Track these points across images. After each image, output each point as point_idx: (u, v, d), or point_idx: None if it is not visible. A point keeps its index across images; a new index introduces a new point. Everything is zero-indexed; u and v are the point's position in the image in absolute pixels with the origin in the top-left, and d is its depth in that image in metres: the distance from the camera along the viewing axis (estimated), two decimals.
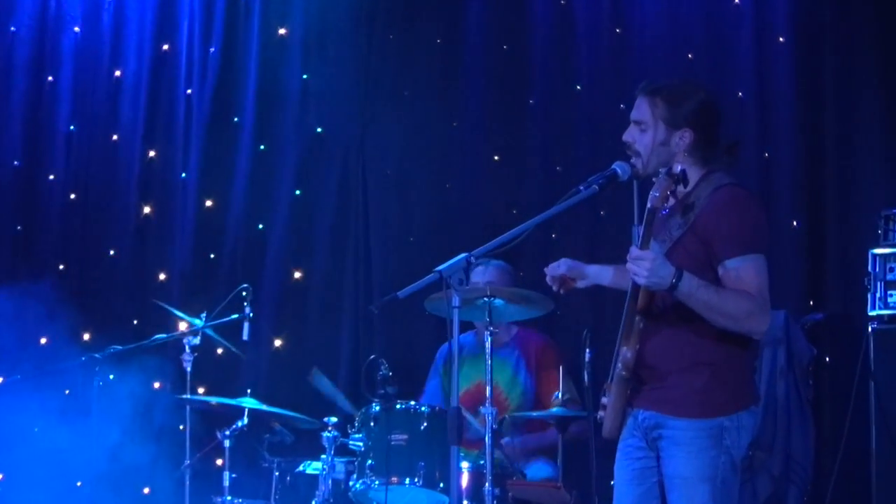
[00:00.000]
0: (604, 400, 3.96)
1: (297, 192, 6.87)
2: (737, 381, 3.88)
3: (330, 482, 5.31)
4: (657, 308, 3.85)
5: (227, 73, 6.95)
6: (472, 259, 3.75)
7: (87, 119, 7.04)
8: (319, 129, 6.90)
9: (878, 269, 5.43)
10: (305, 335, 6.75)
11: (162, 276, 6.89)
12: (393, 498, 5.06)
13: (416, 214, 6.71)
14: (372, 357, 5.39)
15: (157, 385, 6.41)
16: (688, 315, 3.79)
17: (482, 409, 4.90)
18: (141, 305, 6.81)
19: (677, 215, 3.89)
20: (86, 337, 6.63)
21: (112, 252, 6.96)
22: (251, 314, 5.68)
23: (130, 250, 6.93)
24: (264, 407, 5.50)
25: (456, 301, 3.72)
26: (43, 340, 6.62)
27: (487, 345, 4.93)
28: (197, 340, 5.63)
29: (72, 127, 7.04)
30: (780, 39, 6.21)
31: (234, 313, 5.68)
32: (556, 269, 4.20)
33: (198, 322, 5.66)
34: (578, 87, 6.56)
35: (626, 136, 3.99)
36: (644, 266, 3.72)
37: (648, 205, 3.75)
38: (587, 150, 6.42)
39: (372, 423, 5.21)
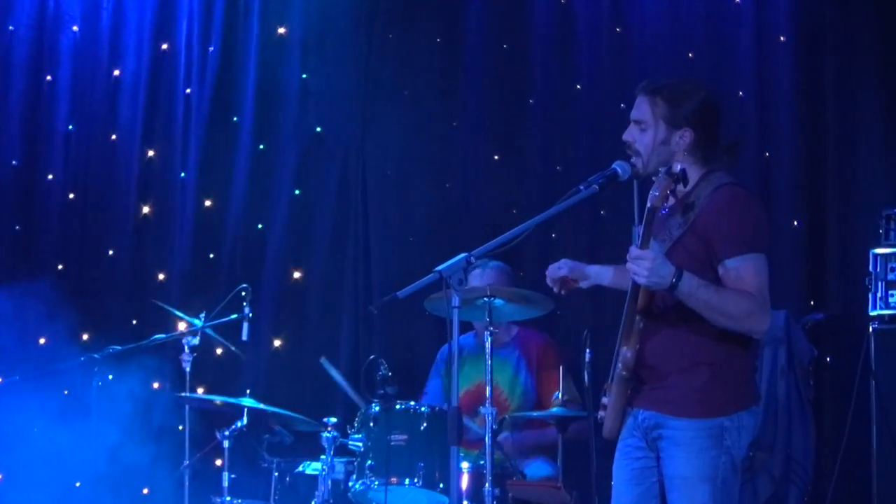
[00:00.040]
0: (604, 400, 3.95)
1: (297, 191, 6.86)
2: (737, 381, 3.87)
3: (329, 483, 5.30)
4: (657, 308, 3.84)
5: (227, 73, 6.94)
6: (472, 259, 3.74)
7: (86, 119, 7.02)
8: (319, 129, 6.89)
9: (878, 269, 5.44)
10: (305, 335, 6.74)
11: (161, 276, 6.88)
12: (392, 498, 5.06)
13: (415, 214, 6.70)
14: (371, 357, 5.38)
15: (156, 385, 6.40)
16: (688, 315, 3.78)
17: (482, 410, 4.89)
18: (140, 305, 6.80)
19: (677, 215, 3.88)
20: (85, 337, 6.61)
21: (111, 252, 6.95)
22: (250, 314, 5.67)
23: (129, 250, 6.92)
24: (264, 406, 5.48)
25: (456, 301, 3.72)
26: (42, 340, 6.61)
27: (487, 345, 4.92)
28: (196, 341, 5.62)
29: (70, 126, 7.03)
30: (781, 39, 6.21)
31: (233, 313, 5.67)
32: (558, 270, 4.20)
33: (197, 322, 5.65)
34: (578, 87, 6.56)
35: (626, 136, 3.99)
36: (644, 266, 3.71)
37: (648, 204, 3.75)
38: (587, 150, 6.42)
39: (371, 424, 5.20)
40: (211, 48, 6.96)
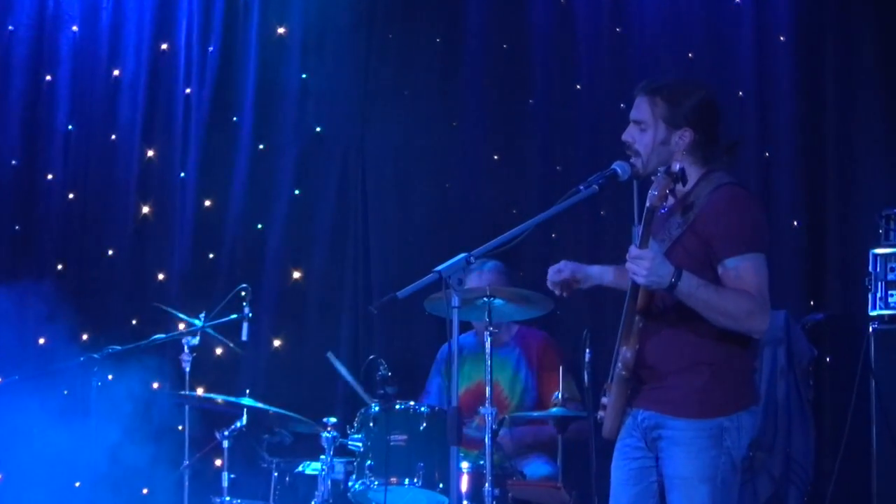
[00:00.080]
0: (604, 400, 3.95)
1: (297, 191, 6.86)
2: (737, 382, 3.87)
3: (329, 483, 5.30)
4: (657, 308, 3.84)
5: (226, 73, 6.94)
6: (472, 259, 3.74)
7: (86, 118, 7.02)
8: (319, 129, 6.89)
9: (878, 269, 5.44)
10: (304, 335, 6.74)
11: (161, 276, 6.88)
12: (392, 498, 5.05)
13: (415, 214, 6.70)
14: (371, 357, 5.39)
15: (155, 385, 6.40)
16: (687, 315, 3.78)
17: (482, 410, 4.88)
18: (140, 305, 6.80)
19: (677, 214, 3.88)
20: (84, 337, 6.61)
21: (111, 252, 6.95)
22: (250, 314, 5.67)
23: (129, 250, 6.92)
24: (263, 406, 5.48)
25: (455, 301, 3.72)
26: (42, 340, 6.61)
27: (487, 345, 4.92)
28: (196, 341, 5.62)
29: (70, 126, 7.03)
30: (781, 39, 6.21)
31: (233, 313, 5.67)
32: (559, 273, 4.19)
33: (197, 323, 5.65)
34: (578, 87, 6.56)
35: (625, 136, 3.99)
36: (643, 265, 3.71)
37: (647, 203, 3.75)
38: (587, 150, 6.42)
39: (371, 424, 5.20)
40: (210, 48, 6.96)
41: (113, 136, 7.00)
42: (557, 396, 5.27)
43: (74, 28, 7.06)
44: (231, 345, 5.79)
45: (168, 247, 6.90)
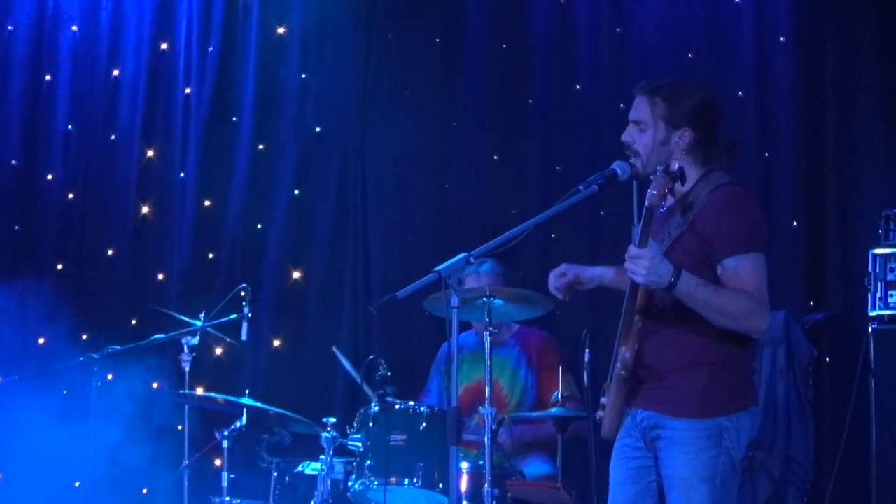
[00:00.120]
0: (603, 400, 3.95)
1: (296, 191, 6.86)
2: (736, 382, 3.87)
3: (329, 483, 5.30)
4: (656, 308, 3.84)
5: (226, 73, 6.94)
6: (472, 259, 3.74)
7: (86, 118, 7.02)
8: (318, 129, 6.89)
9: (878, 270, 5.43)
10: (304, 335, 6.74)
11: (160, 276, 6.88)
12: (392, 498, 5.05)
13: (415, 214, 6.70)
14: (371, 357, 5.38)
15: (155, 385, 6.40)
16: (687, 315, 3.78)
17: (482, 409, 4.89)
18: (140, 305, 6.80)
19: (677, 214, 3.88)
20: (84, 337, 6.61)
21: (110, 252, 6.95)
22: (250, 314, 5.67)
23: (129, 250, 6.92)
24: (263, 406, 5.48)
25: (455, 301, 3.72)
26: (41, 340, 6.61)
27: (487, 345, 4.92)
28: (195, 341, 5.62)
29: (70, 126, 7.03)
30: (781, 39, 6.20)
31: (232, 313, 5.67)
32: (561, 278, 4.18)
33: (197, 323, 5.65)
34: (578, 87, 6.56)
35: (625, 137, 3.99)
36: (642, 265, 3.71)
37: (646, 203, 3.75)
38: (587, 150, 6.42)
39: (371, 424, 5.20)
40: (210, 48, 6.96)
41: (113, 136, 7.00)
42: (557, 396, 5.27)
43: (74, 28, 7.06)
44: (228, 339, 5.77)
45: (168, 247, 6.90)
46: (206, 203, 6.91)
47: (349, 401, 6.31)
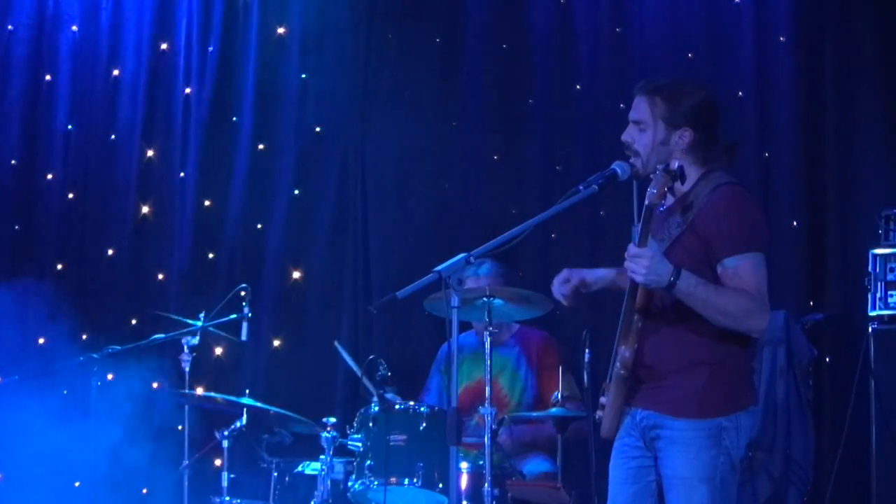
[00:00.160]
0: (602, 399, 3.95)
1: (296, 191, 6.86)
2: (736, 382, 3.87)
3: (329, 482, 5.30)
4: (656, 307, 3.84)
5: (226, 73, 6.94)
6: (472, 259, 3.74)
7: (86, 118, 7.02)
8: (318, 129, 6.89)
9: (878, 270, 5.43)
10: (304, 335, 6.74)
11: (160, 276, 6.88)
12: (392, 498, 5.05)
13: (415, 214, 6.70)
14: (371, 357, 5.38)
15: (155, 385, 6.39)
16: (686, 314, 3.78)
17: (482, 409, 4.89)
18: (140, 305, 6.80)
19: (676, 214, 3.88)
20: (84, 337, 6.61)
21: (110, 252, 6.95)
22: (250, 314, 5.66)
23: (129, 250, 6.92)
24: (263, 406, 5.48)
25: (455, 301, 3.72)
26: (41, 340, 6.61)
27: (487, 345, 4.92)
28: (195, 340, 5.61)
29: (70, 126, 7.02)
30: (781, 39, 6.21)
31: (232, 313, 5.66)
32: (566, 283, 4.16)
33: (197, 324, 5.65)
34: (578, 87, 6.56)
35: (624, 137, 3.99)
36: (642, 264, 3.71)
37: (646, 202, 3.75)
38: (587, 150, 6.42)
39: (371, 424, 5.20)
40: (210, 48, 6.96)
41: (113, 136, 7.00)
42: (557, 396, 5.27)
43: (74, 28, 7.06)
44: (228, 334, 5.76)
45: (168, 247, 6.90)
46: (206, 203, 6.91)
47: (349, 401, 6.31)
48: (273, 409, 5.47)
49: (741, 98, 6.21)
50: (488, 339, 4.94)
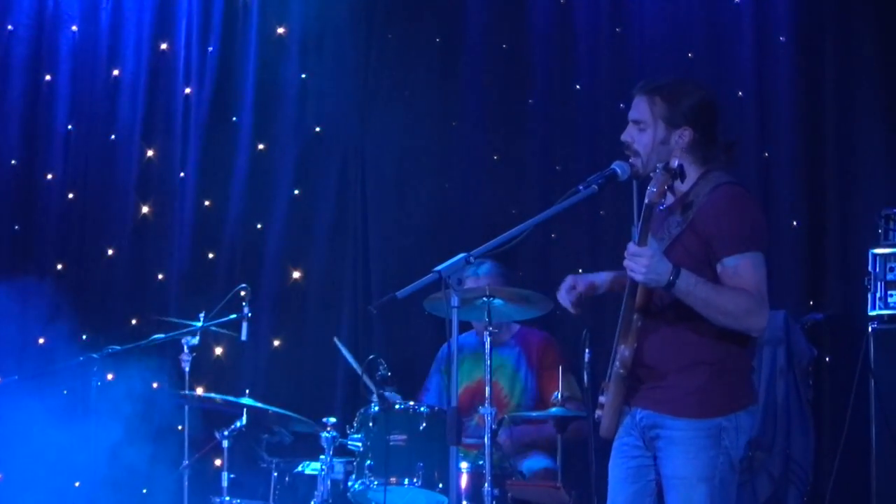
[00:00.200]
0: (601, 399, 3.95)
1: (296, 191, 6.86)
2: (735, 381, 3.87)
3: (328, 482, 5.29)
4: (655, 306, 3.84)
5: (226, 73, 6.94)
6: (471, 259, 3.74)
7: (85, 118, 7.02)
8: (318, 129, 6.89)
9: (878, 269, 5.43)
10: (304, 335, 6.74)
11: (160, 276, 6.88)
12: (392, 498, 5.05)
13: (415, 214, 6.70)
14: (371, 357, 5.38)
15: (155, 385, 6.39)
16: (686, 313, 3.78)
17: (482, 409, 4.89)
18: (139, 305, 6.80)
19: (676, 213, 3.88)
20: (84, 337, 6.61)
21: (110, 252, 6.95)
22: (250, 314, 5.66)
23: (129, 250, 6.92)
24: (263, 406, 5.48)
25: (455, 301, 3.72)
26: (41, 340, 6.61)
27: (486, 345, 4.92)
28: (195, 341, 5.61)
29: (70, 126, 7.03)
30: (781, 39, 6.20)
31: (232, 313, 5.66)
32: (573, 291, 4.13)
33: (196, 324, 5.65)
34: (578, 87, 6.56)
35: (624, 137, 3.99)
36: (641, 263, 3.71)
37: (646, 200, 3.75)
38: (587, 150, 6.42)
39: (371, 424, 5.20)
40: (210, 48, 6.96)
41: (113, 136, 7.00)
42: (557, 396, 5.27)
43: (74, 28, 7.06)
44: (228, 331, 5.76)
45: (168, 247, 6.90)
46: (206, 203, 6.91)
47: (349, 400, 6.31)
48: (272, 409, 5.47)
49: (741, 98, 6.21)
50: (488, 340, 4.94)
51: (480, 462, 5.05)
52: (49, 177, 7.00)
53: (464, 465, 5.16)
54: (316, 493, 5.31)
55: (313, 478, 5.37)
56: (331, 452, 5.31)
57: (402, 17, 6.84)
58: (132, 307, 6.82)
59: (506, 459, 5.33)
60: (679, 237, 3.84)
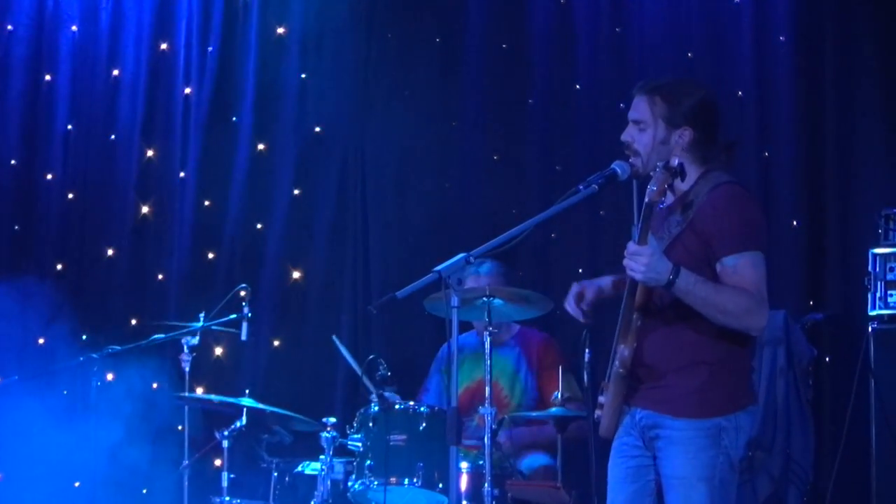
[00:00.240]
0: (601, 398, 3.95)
1: (296, 191, 6.86)
2: (735, 381, 3.87)
3: (328, 483, 5.29)
4: (655, 305, 3.84)
5: (226, 73, 6.94)
6: (471, 259, 3.74)
7: (85, 118, 7.02)
8: (318, 129, 6.89)
9: (878, 269, 5.43)
10: (304, 335, 6.74)
11: (160, 276, 6.88)
12: (392, 498, 5.05)
13: (415, 214, 6.70)
14: (371, 357, 5.38)
15: (155, 385, 6.39)
16: (686, 313, 3.78)
17: (481, 410, 4.88)
18: (140, 305, 6.80)
19: (676, 212, 3.88)
20: (84, 337, 6.61)
21: (110, 252, 6.95)
22: (249, 314, 5.66)
23: (129, 250, 6.92)
24: (263, 406, 5.48)
25: (455, 301, 3.72)
26: (41, 340, 6.61)
27: (486, 345, 4.92)
28: (195, 341, 5.61)
29: (70, 126, 7.03)
30: (780, 38, 6.20)
31: (232, 313, 5.66)
32: (583, 298, 4.10)
33: (196, 324, 5.65)
34: (578, 87, 6.56)
35: (624, 136, 3.99)
36: (641, 262, 3.71)
37: (646, 199, 3.75)
38: (586, 150, 6.41)
39: (371, 424, 5.20)
40: (210, 48, 6.96)
41: (112, 136, 7.00)
42: (557, 396, 5.27)
43: (74, 28, 7.06)
44: (229, 329, 5.75)
45: (167, 247, 6.90)
46: (206, 203, 6.91)
47: (349, 400, 6.31)
48: (271, 409, 5.47)
49: (741, 98, 6.21)
50: (488, 340, 4.94)
51: (480, 462, 5.05)
52: (49, 177, 7.00)
53: (464, 465, 5.16)
54: (316, 493, 5.30)
55: (313, 478, 5.37)
56: (331, 452, 5.30)
57: (402, 17, 6.84)
58: (132, 307, 6.83)
59: (506, 459, 5.33)
60: (679, 236, 3.84)
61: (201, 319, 5.64)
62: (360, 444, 5.19)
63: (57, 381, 6.24)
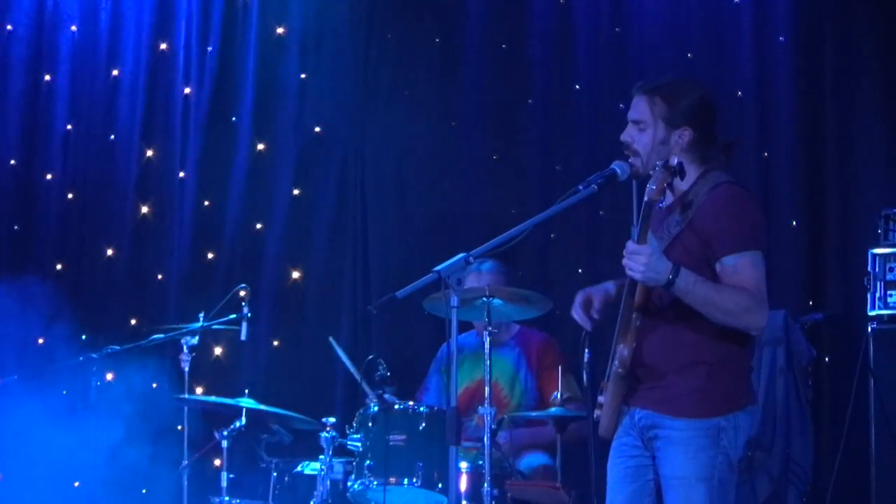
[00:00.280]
0: (600, 398, 3.95)
1: (296, 191, 6.86)
2: (734, 381, 3.87)
3: (328, 483, 5.29)
4: (654, 305, 3.84)
5: (225, 73, 6.94)
6: (471, 259, 3.74)
7: (85, 118, 7.03)
8: (318, 129, 6.89)
9: (877, 269, 5.43)
10: (304, 335, 6.74)
11: (160, 276, 6.88)
12: (391, 498, 5.05)
13: (414, 214, 6.70)
14: (370, 357, 5.38)
15: (154, 385, 6.39)
16: (685, 313, 3.78)
17: (481, 410, 4.88)
18: (139, 305, 6.80)
19: (676, 212, 3.88)
20: (84, 337, 6.61)
21: (110, 252, 6.95)
22: (249, 314, 5.66)
23: (128, 250, 6.92)
24: (262, 406, 5.48)
25: (454, 301, 3.72)
26: (41, 340, 6.61)
27: (486, 345, 4.92)
28: (195, 341, 5.61)
29: (69, 126, 7.03)
30: (780, 39, 6.20)
31: (232, 313, 5.66)
32: (589, 305, 4.05)
33: (196, 324, 5.65)
34: (578, 87, 6.56)
35: (624, 137, 3.99)
36: (640, 261, 3.71)
37: (645, 198, 3.75)
38: (586, 150, 6.42)
39: (370, 424, 5.19)
40: (209, 48, 6.96)
41: (112, 136, 7.00)
42: (556, 396, 5.27)
43: (73, 28, 7.06)
44: (230, 327, 5.75)
45: (167, 247, 6.90)
46: (206, 203, 6.91)
47: (349, 400, 6.32)
48: (270, 409, 5.47)
49: (740, 98, 6.21)
50: (488, 340, 4.94)
51: (480, 462, 5.05)
52: (48, 177, 7.00)
53: (463, 465, 5.15)
54: (315, 493, 5.31)
55: (313, 478, 5.37)
56: (330, 452, 5.30)
57: (402, 17, 6.84)
58: (132, 307, 6.83)
59: (505, 459, 5.33)
60: (678, 236, 3.84)
61: (201, 319, 5.64)
62: (359, 444, 5.19)
63: (57, 381, 6.24)
